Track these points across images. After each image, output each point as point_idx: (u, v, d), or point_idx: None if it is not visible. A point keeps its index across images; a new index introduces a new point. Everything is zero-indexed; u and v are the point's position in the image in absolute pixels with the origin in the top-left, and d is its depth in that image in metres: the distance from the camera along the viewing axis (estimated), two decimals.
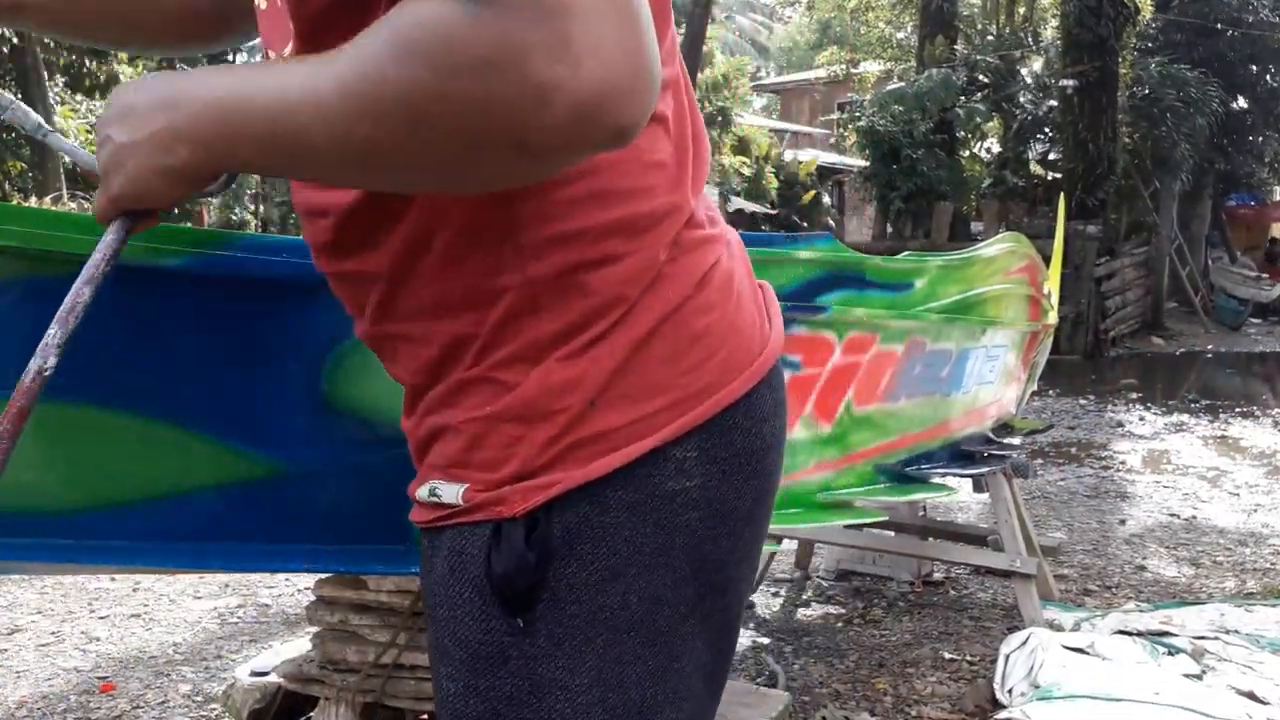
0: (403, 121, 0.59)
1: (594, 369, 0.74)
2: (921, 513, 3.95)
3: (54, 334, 0.75)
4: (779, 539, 3.61)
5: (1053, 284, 3.91)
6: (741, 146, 18.96)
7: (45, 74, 15.31)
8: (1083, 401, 9.11)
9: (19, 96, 15.07)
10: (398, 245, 0.75)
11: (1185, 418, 8.22)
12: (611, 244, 0.74)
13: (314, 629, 2.23)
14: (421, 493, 0.79)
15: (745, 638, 3.35)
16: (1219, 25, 15.78)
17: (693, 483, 0.77)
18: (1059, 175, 14.26)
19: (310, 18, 0.73)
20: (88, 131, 18.33)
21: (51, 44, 15.32)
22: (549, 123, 0.58)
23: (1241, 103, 16.96)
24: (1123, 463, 6.49)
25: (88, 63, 16.39)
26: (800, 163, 19.27)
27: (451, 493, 0.76)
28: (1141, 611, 3.37)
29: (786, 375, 2.41)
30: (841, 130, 17.57)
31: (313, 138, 0.62)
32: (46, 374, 0.76)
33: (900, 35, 20.27)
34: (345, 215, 0.77)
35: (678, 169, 0.78)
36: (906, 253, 2.76)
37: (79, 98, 17.91)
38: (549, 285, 0.73)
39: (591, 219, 0.73)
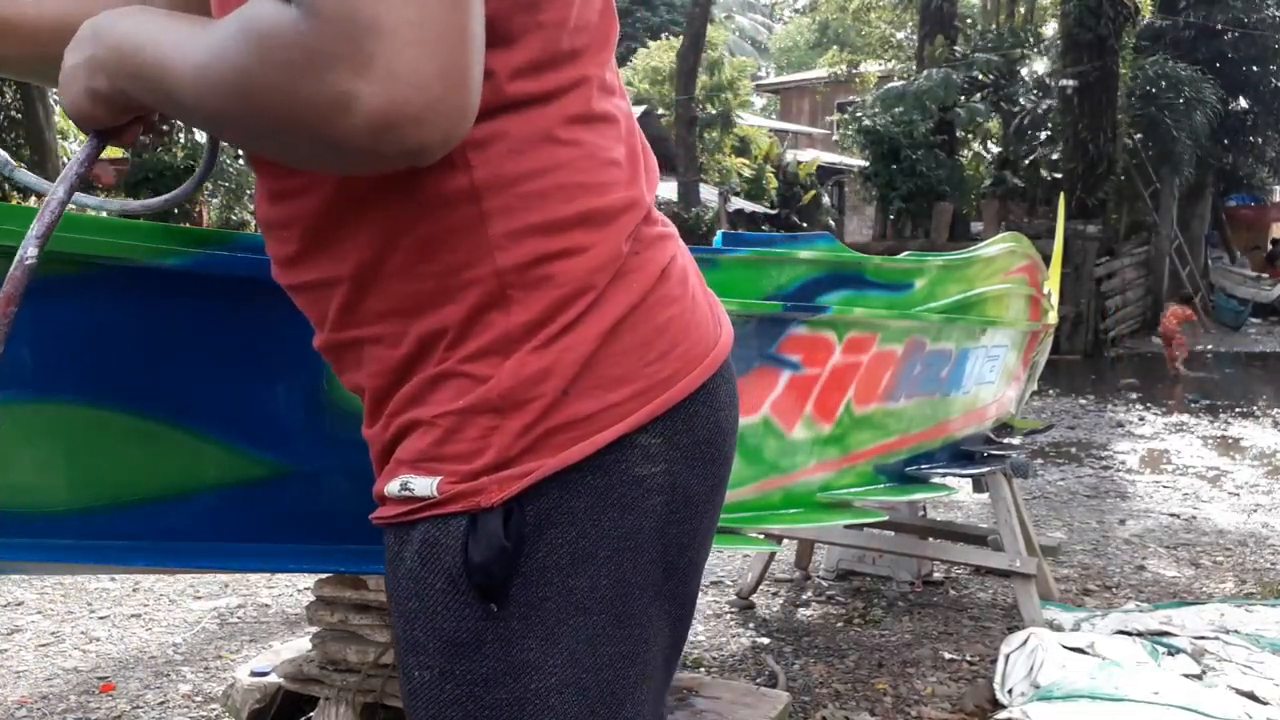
0: (235, 99, 0.66)
1: (565, 357, 0.76)
2: (921, 513, 3.95)
3: (34, 228, 0.80)
4: (779, 539, 3.61)
5: (1053, 284, 3.91)
6: (742, 147, 18.96)
7: None
8: (1082, 401, 9.11)
9: (18, 96, 15.09)
10: (364, 248, 0.77)
11: (1185, 418, 8.22)
12: (576, 235, 0.77)
13: (314, 629, 2.23)
14: (391, 488, 0.79)
15: (745, 638, 3.36)
16: (1219, 26, 15.77)
17: (658, 468, 0.80)
18: (1059, 175, 14.26)
19: None
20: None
21: None
22: (348, 129, 0.63)
23: (1243, 103, 16.96)
24: (1123, 463, 6.49)
25: None
26: (800, 163, 19.27)
27: (424, 485, 0.77)
28: (1141, 611, 3.37)
29: (787, 375, 2.40)
30: (842, 130, 17.57)
31: (180, 95, 0.70)
32: (28, 263, 0.80)
33: (900, 35, 20.28)
34: (311, 222, 0.79)
35: (631, 167, 0.83)
36: (906, 253, 2.76)
37: None
38: (518, 277, 0.76)
39: (556, 211, 0.76)
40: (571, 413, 0.77)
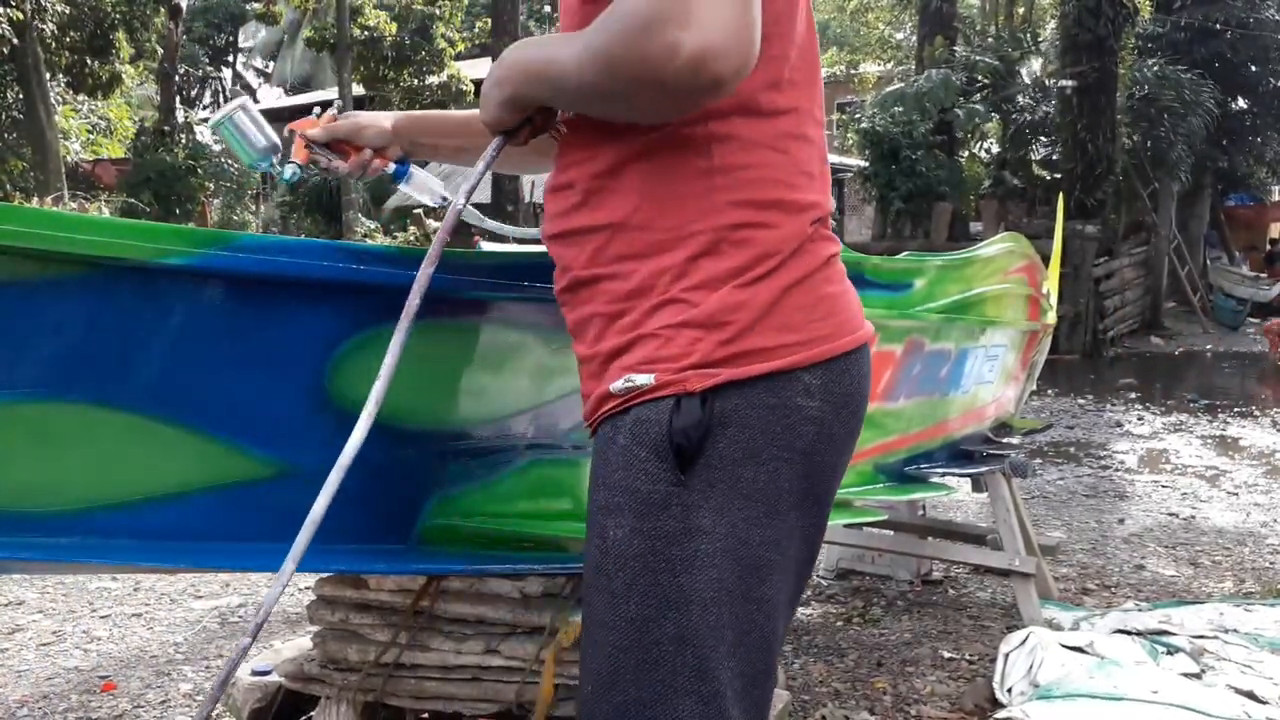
0: (603, 70, 0.95)
1: (756, 298, 1.02)
2: (921, 512, 3.95)
3: (465, 185, 1.14)
4: None
5: (1051, 284, 3.92)
6: None
7: (47, 74, 15.30)
8: (1081, 401, 9.12)
9: (20, 96, 15.08)
10: (623, 204, 1.05)
11: (1184, 417, 8.23)
12: (773, 215, 1.05)
13: (315, 628, 2.24)
14: (616, 385, 1.03)
15: None
16: (1218, 26, 15.77)
17: (814, 403, 1.04)
18: (1058, 175, 14.25)
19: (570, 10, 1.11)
20: (89, 131, 18.32)
21: (53, 44, 15.30)
22: (675, 68, 0.91)
23: (1241, 103, 16.95)
24: (1121, 462, 6.49)
25: (89, 62, 16.39)
26: None
27: (644, 379, 1.02)
28: (1140, 611, 3.37)
29: None
30: (841, 131, 17.57)
31: (564, 80, 1.01)
32: (458, 208, 1.16)
33: (900, 36, 20.28)
34: (588, 182, 1.08)
35: (821, 181, 1.11)
36: (905, 253, 2.76)
37: (81, 97, 17.89)
38: (728, 235, 1.03)
39: (762, 194, 1.04)
40: (756, 342, 1.02)
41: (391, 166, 1.45)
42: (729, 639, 1.01)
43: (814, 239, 1.07)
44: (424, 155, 1.52)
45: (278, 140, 1.46)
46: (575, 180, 1.10)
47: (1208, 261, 17.83)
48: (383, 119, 1.46)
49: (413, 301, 1.14)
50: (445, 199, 1.42)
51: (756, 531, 1.02)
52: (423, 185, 1.46)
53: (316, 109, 1.50)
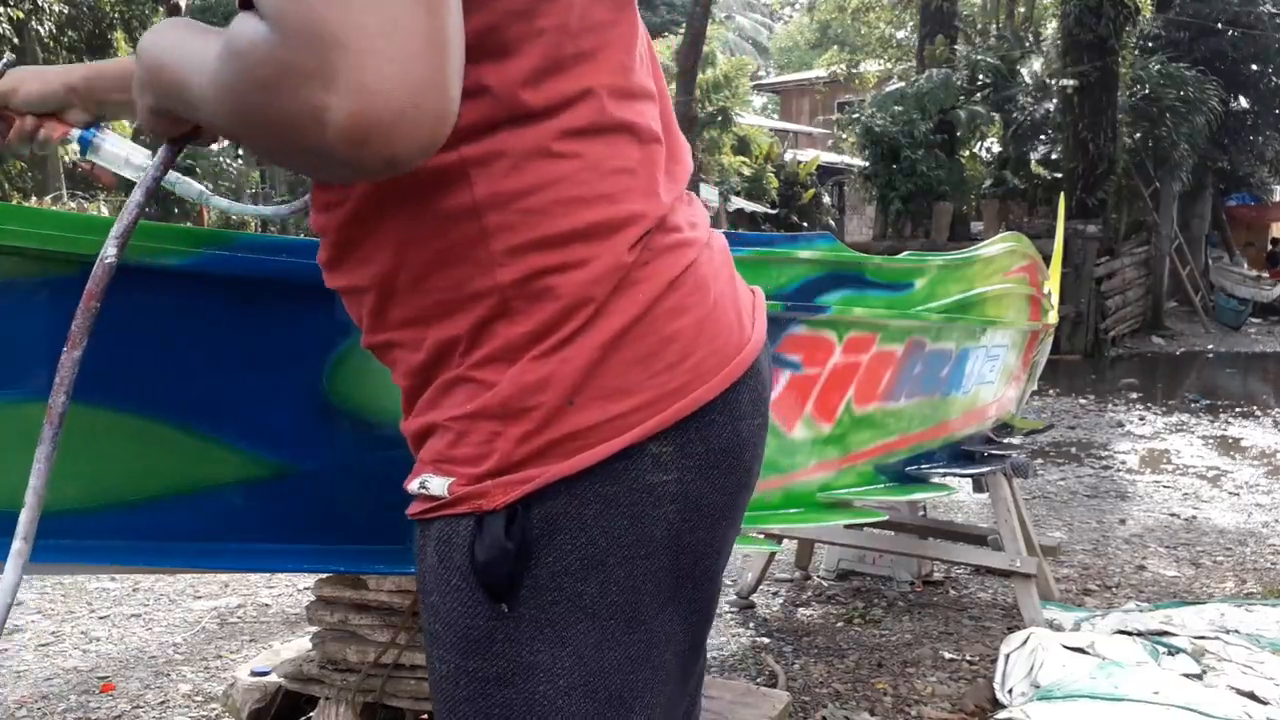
0: (232, 114, 0.66)
1: (564, 369, 0.78)
2: (921, 512, 3.95)
3: (114, 229, 0.85)
4: (779, 539, 3.61)
5: (1053, 284, 3.91)
6: (742, 146, 18.95)
7: None
8: (1083, 401, 9.11)
9: None
10: (382, 261, 0.81)
11: (1185, 418, 8.22)
12: (576, 249, 0.78)
13: (314, 629, 2.23)
14: (413, 486, 0.83)
15: (745, 638, 3.36)
16: (1219, 25, 15.78)
17: (669, 476, 0.81)
18: (1059, 175, 14.26)
19: None
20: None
21: (51, 44, 15.30)
22: (325, 142, 0.62)
23: (1243, 102, 16.96)
24: (1123, 462, 6.49)
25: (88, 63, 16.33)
26: (800, 163, 19.27)
27: (439, 485, 0.80)
28: (1141, 611, 3.37)
29: (787, 375, 2.38)
30: (841, 131, 17.58)
31: (200, 110, 0.71)
32: (108, 262, 0.84)
33: (900, 35, 20.29)
34: (336, 234, 0.84)
35: (647, 175, 0.83)
36: (906, 253, 2.76)
37: None
38: (519, 290, 0.77)
39: (555, 227, 0.77)
40: (576, 423, 0.78)
41: (75, 133, 1.19)
42: None
43: (646, 260, 0.80)
44: (123, 116, 1.20)
45: None
46: (325, 227, 0.85)
47: (1209, 261, 17.83)
48: (51, 76, 1.17)
49: (56, 401, 0.88)
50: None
51: (613, 653, 0.81)
52: (115, 156, 1.20)
53: None
